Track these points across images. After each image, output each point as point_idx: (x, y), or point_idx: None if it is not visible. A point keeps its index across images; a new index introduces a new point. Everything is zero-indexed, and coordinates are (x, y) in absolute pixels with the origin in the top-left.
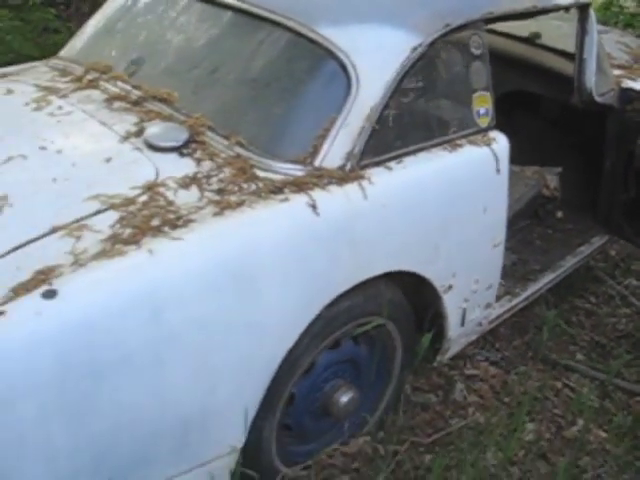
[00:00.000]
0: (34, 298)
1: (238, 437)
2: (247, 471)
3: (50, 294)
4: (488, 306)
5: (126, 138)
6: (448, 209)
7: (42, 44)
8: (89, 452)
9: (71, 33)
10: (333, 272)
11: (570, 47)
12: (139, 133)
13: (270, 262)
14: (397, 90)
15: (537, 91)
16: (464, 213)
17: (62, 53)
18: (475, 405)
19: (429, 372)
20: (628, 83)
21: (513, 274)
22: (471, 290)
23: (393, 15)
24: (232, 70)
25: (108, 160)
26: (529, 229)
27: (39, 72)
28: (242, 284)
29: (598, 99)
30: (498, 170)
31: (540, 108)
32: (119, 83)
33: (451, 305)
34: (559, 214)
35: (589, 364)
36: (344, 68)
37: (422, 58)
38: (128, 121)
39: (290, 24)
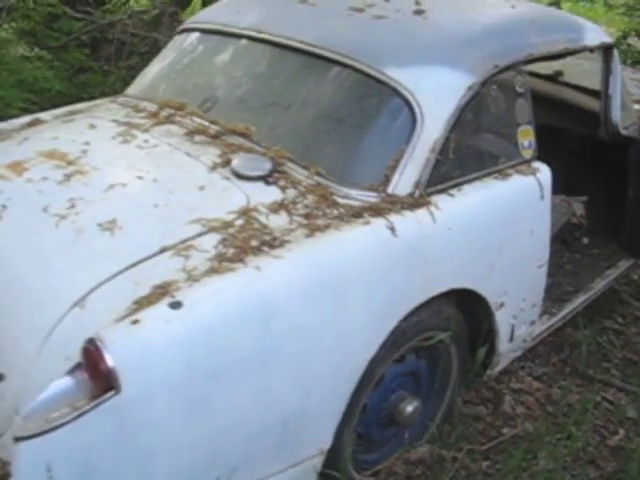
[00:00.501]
0: (162, 309)
1: (326, 440)
2: (333, 473)
3: (176, 305)
4: (532, 323)
5: (214, 168)
6: (501, 232)
7: (76, 82)
8: (205, 449)
9: (103, 72)
10: (408, 288)
11: (590, 83)
12: (225, 164)
13: (356, 278)
14: (455, 125)
15: (561, 125)
16: (514, 236)
17: (128, 91)
18: (523, 416)
19: (478, 386)
20: None
21: (549, 295)
22: (519, 308)
23: (450, 57)
24: (306, 107)
25: (201, 188)
26: (559, 254)
27: (111, 109)
28: (334, 297)
29: (623, 132)
30: (542, 197)
31: (563, 141)
32: (195, 119)
33: (502, 321)
34: (585, 240)
35: (624, 379)
36: (410, 105)
37: (475, 96)
38: (212, 153)
39: (359, 66)
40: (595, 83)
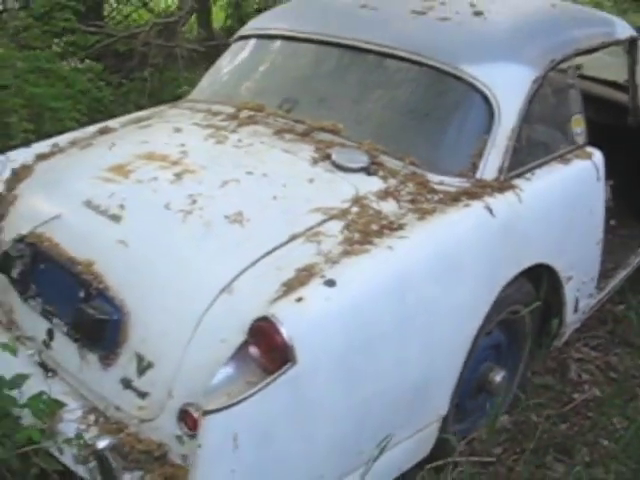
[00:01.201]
0: (319, 287)
1: (444, 406)
2: (448, 437)
3: (331, 283)
4: (590, 296)
5: (315, 162)
6: (570, 211)
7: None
8: (356, 416)
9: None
10: (505, 263)
11: (609, 75)
12: (325, 158)
13: (466, 254)
14: (525, 115)
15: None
16: (579, 214)
17: (192, 96)
18: (589, 382)
19: (544, 358)
20: None
21: None
22: (582, 281)
23: (515, 53)
24: (388, 103)
25: (311, 181)
26: None
27: (184, 114)
28: (451, 272)
29: None
30: (598, 178)
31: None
32: (278, 119)
33: (570, 294)
34: (612, 222)
35: None
36: (487, 99)
37: (539, 88)
38: (307, 149)
39: (435, 64)
40: (613, 75)
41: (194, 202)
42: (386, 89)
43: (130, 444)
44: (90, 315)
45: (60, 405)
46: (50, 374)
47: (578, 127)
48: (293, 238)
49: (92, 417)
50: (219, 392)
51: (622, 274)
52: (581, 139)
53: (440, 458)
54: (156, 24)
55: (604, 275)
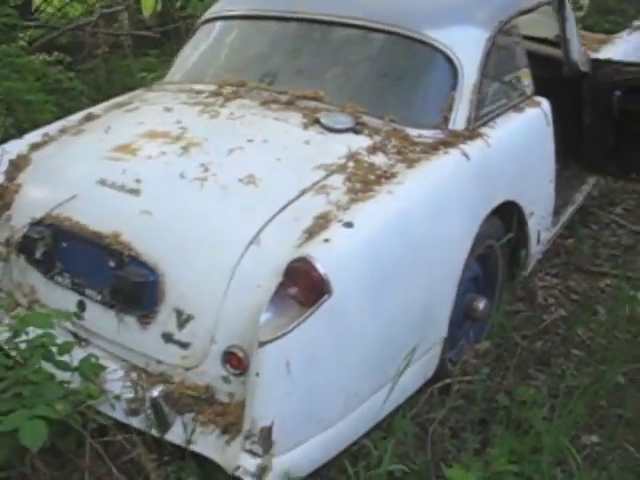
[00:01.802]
0: (340, 229)
1: (444, 329)
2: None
3: (349, 225)
4: (548, 229)
5: (306, 127)
6: (528, 153)
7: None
8: (381, 338)
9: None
10: (482, 201)
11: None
12: (314, 122)
13: (451, 194)
14: (483, 71)
15: None
16: (535, 156)
17: (167, 79)
18: (554, 304)
19: (514, 287)
20: (592, 55)
21: None
22: (541, 216)
23: (469, 17)
24: (363, 70)
25: (307, 142)
26: None
27: (166, 95)
28: (441, 211)
29: (582, 68)
30: (547, 123)
31: None
32: (262, 92)
33: (533, 227)
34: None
35: (614, 269)
36: (450, 60)
37: (492, 47)
38: (295, 116)
39: (402, 31)
40: (543, 32)
41: (207, 170)
42: (358, 57)
43: (179, 390)
44: (127, 279)
45: (102, 367)
46: (83, 343)
47: (526, 79)
48: (303, 192)
49: (134, 374)
50: (267, 328)
51: (570, 210)
52: (529, 90)
53: (438, 380)
54: (103, 14)
55: (556, 212)
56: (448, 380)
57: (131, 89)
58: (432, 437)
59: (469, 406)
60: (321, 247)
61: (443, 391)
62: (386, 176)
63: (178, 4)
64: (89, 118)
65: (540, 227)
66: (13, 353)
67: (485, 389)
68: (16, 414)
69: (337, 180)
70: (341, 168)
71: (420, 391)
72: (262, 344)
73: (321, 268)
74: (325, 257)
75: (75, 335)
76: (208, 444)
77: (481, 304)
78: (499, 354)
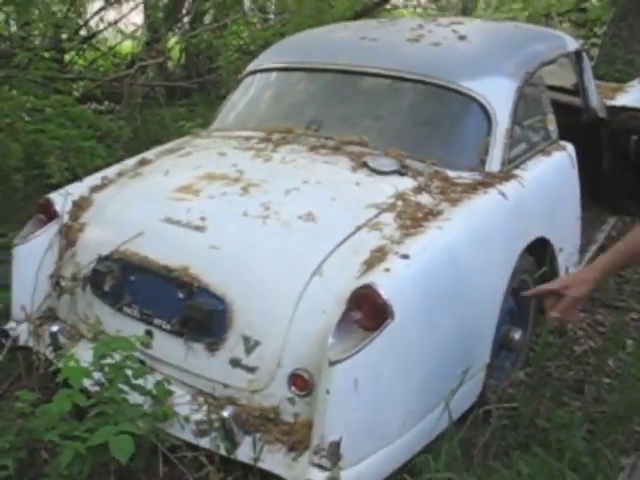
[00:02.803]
0: (397, 260)
1: (487, 356)
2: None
3: (406, 257)
4: (574, 266)
5: (355, 170)
6: (557, 192)
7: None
8: (435, 360)
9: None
10: (518, 237)
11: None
12: (362, 165)
13: (491, 230)
14: (514, 118)
15: None
16: (563, 196)
17: (214, 127)
18: (583, 337)
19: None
20: (609, 102)
21: None
22: (569, 252)
23: (499, 68)
24: (403, 117)
25: (357, 184)
26: None
27: (216, 141)
28: (483, 244)
29: (600, 115)
30: (573, 166)
31: None
32: (309, 138)
33: (561, 263)
34: None
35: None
36: (485, 108)
37: (520, 95)
38: (343, 160)
39: (439, 82)
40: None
41: (268, 208)
42: (399, 105)
43: (247, 411)
44: (198, 309)
45: (170, 392)
46: (150, 371)
47: (551, 125)
48: (359, 228)
49: (201, 398)
50: (335, 350)
51: (593, 248)
52: (555, 135)
53: (479, 407)
54: (141, 66)
55: (581, 250)
56: (490, 406)
57: (166, 136)
58: (476, 459)
59: (509, 431)
60: (382, 276)
61: (483, 418)
62: (433, 213)
63: (202, 57)
64: (143, 162)
65: (568, 263)
66: (97, 375)
67: (524, 414)
68: (104, 429)
69: (388, 217)
70: (391, 207)
71: (462, 417)
72: (332, 364)
73: (384, 294)
74: (387, 285)
75: (142, 363)
76: (275, 461)
77: (517, 335)
78: (534, 383)
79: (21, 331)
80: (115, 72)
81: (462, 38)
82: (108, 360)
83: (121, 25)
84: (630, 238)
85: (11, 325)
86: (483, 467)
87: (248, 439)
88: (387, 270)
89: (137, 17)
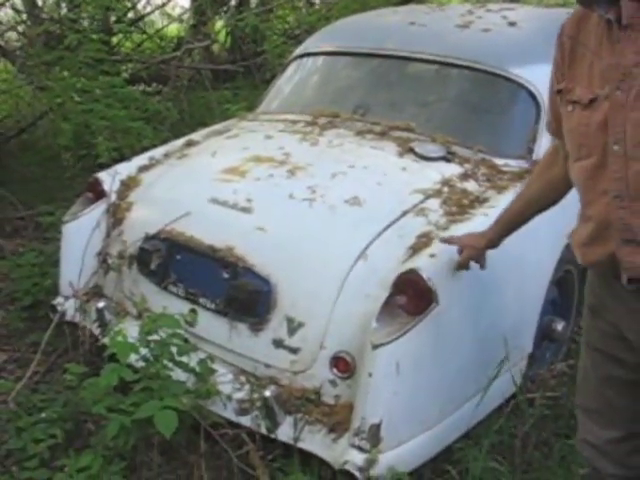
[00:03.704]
0: (442, 246)
1: (530, 345)
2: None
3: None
4: None
5: (401, 155)
6: None
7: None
8: (476, 347)
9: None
10: (563, 227)
11: None
12: (408, 151)
13: (539, 219)
14: None
15: None
16: None
17: (260, 110)
18: None
19: None
20: None
21: None
22: None
23: (549, 55)
24: (451, 103)
25: (404, 169)
26: None
27: (263, 124)
28: (529, 233)
29: None
30: None
31: None
32: (355, 123)
33: None
34: None
35: None
36: (533, 95)
37: None
38: (390, 145)
39: (487, 68)
40: None
41: (314, 192)
42: (446, 91)
43: (288, 392)
44: (242, 289)
45: (213, 371)
46: (193, 348)
47: None
48: (404, 214)
49: (243, 378)
50: (379, 333)
51: None
52: None
53: (518, 396)
54: (187, 49)
55: None
56: (532, 395)
57: (211, 119)
58: (516, 448)
59: (549, 421)
60: (428, 261)
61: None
62: (479, 200)
63: (248, 41)
64: (191, 144)
65: None
66: (143, 351)
67: (565, 405)
68: (149, 404)
69: (434, 203)
70: (437, 193)
71: (502, 406)
72: (375, 347)
73: (429, 280)
74: (432, 270)
75: (186, 341)
76: (315, 442)
77: (560, 326)
78: (575, 374)
79: (68, 307)
80: (162, 55)
81: (512, 24)
82: (154, 337)
83: (168, 8)
84: (527, 182)
85: (59, 300)
86: (523, 456)
87: (289, 419)
88: (432, 256)
89: (184, 0)
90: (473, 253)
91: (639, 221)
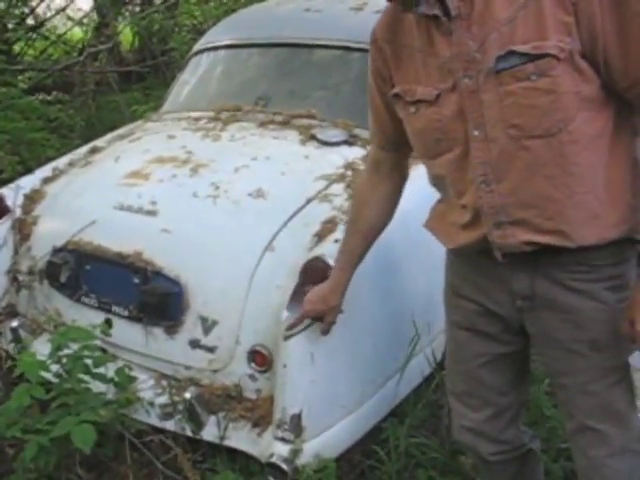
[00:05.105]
0: None
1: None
2: None
3: None
4: None
5: (304, 142)
6: None
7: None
8: (389, 328)
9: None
10: None
11: None
12: (310, 138)
13: None
14: None
15: None
16: None
17: (164, 109)
18: None
19: None
20: None
21: None
22: None
23: None
24: (351, 87)
25: (306, 157)
26: None
27: (167, 124)
28: None
29: None
30: None
31: None
32: (258, 114)
33: None
34: None
35: None
36: None
37: None
38: (292, 134)
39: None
40: None
41: (217, 188)
42: (345, 75)
43: (209, 391)
44: (153, 293)
45: (133, 378)
46: (111, 358)
47: None
48: (309, 201)
49: (164, 382)
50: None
51: None
52: None
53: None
54: (90, 53)
55: None
56: None
57: (121, 122)
58: (444, 421)
59: None
60: (333, 247)
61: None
62: None
63: (155, 39)
64: (95, 150)
65: None
66: (54, 367)
67: None
68: (66, 420)
69: (338, 188)
70: (340, 177)
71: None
72: (287, 338)
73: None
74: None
75: (103, 350)
76: (241, 438)
77: None
78: None
79: None
80: (67, 60)
81: None
82: (66, 351)
83: (70, 11)
84: (351, 213)
85: None
86: (450, 429)
87: (213, 418)
88: (337, 241)
89: (85, 3)
90: (331, 314)
91: (506, 202)
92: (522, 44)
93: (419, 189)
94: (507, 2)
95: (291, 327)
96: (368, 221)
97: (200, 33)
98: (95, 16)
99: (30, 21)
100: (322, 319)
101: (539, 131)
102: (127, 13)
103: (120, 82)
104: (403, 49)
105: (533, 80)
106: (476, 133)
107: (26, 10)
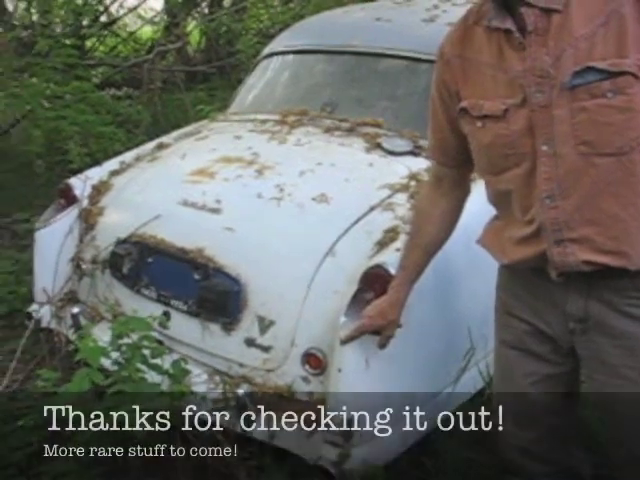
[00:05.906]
0: None
1: None
2: None
3: None
4: None
5: (369, 151)
6: None
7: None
8: (447, 339)
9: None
10: None
11: None
12: (376, 146)
13: None
14: None
15: None
16: None
17: (231, 110)
18: None
19: None
20: None
21: None
22: None
23: None
24: (418, 98)
25: (371, 165)
26: None
27: (233, 124)
28: None
29: None
30: None
31: None
32: (324, 120)
33: None
34: None
35: None
36: None
37: None
38: (358, 141)
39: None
40: None
41: (282, 190)
42: (414, 86)
43: (262, 390)
44: (213, 290)
45: (188, 371)
46: (167, 350)
47: None
48: (372, 209)
49: (217, 378)
50: (347, 329)
51: None
52: None
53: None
54: (159, 52)
55: None
56: None
57: (185, 121)
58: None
59: None
60: (394, 255)
61: None
62: None
63: (221, 41)
64: (161, 146)
65: None
66: (115, 355)
67: None
68: (123, 408)
69: (401, 198)
70: (404, 187)
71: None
72: (344, 343)
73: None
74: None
75: (160, 343)
76: (290, 438)
77: None
78: None
79: (44, 313)
80: (135, 57)
81: None
82: (125, 340)
83: (140, 11)
84: (412, 228)
85: (34, 307)
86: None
87: (263, 417)
88: (398, 250)
89: (157, 2)
90: (390, 328)
91: (570, 218)
92: (601, 60)
93: (485, 207)
94: (587, 19)
95: (348, 340)
96: (428, 236)
97: (266, 37)
98: (165, 16)
99: (103, 18)
100: (380, 332)
101: (611, 149)
102: (196, 14)
103: (186, 81)
104: (472, 64)
105: (609, 97)
106: (545, 148)
107: (101, 8)
